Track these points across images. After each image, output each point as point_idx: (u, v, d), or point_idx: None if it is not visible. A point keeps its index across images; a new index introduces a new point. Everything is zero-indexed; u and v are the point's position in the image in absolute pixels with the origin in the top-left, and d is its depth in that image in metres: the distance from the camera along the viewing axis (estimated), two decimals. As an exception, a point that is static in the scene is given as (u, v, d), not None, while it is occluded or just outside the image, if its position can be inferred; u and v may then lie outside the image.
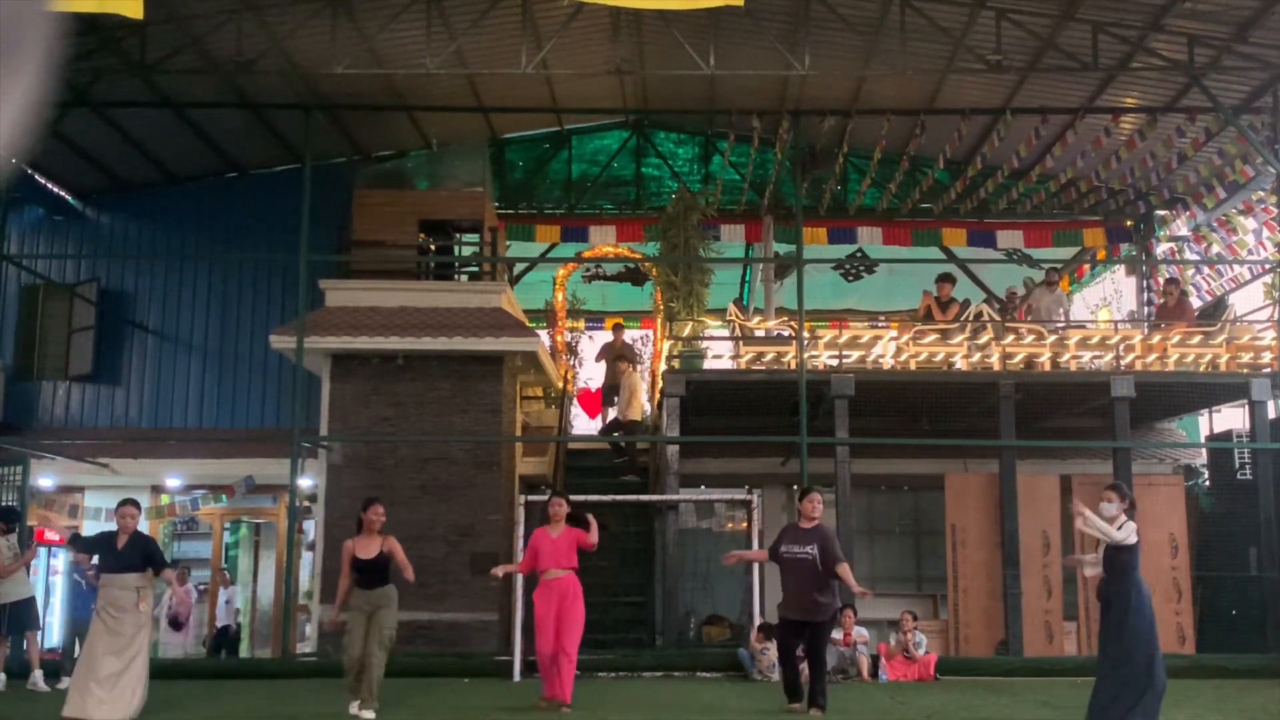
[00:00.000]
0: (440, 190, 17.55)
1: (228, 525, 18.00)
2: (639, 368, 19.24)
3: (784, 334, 15.67)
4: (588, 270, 20.36)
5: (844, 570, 9.06)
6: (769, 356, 15.13)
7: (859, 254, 19.93)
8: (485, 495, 15.01)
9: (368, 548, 9.16)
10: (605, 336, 21.73)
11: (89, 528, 16.46)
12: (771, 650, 12.72)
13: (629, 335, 21.09)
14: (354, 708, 8.93)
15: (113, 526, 9.18)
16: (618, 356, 17.66)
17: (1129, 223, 19.50)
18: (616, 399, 17.39)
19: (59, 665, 12.52)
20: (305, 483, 15.81)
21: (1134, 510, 7.79)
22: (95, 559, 9.25)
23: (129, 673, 8.64)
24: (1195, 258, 18.47)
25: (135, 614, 8.69)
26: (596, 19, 14.74)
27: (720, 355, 15.87)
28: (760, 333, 15.90)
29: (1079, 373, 15.19)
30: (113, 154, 17.30)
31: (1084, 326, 16.84)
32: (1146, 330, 16.01)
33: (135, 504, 9.13)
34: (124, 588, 8.72)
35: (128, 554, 8.81)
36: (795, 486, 15.95)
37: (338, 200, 16.59)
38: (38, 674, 11.69)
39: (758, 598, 13.39)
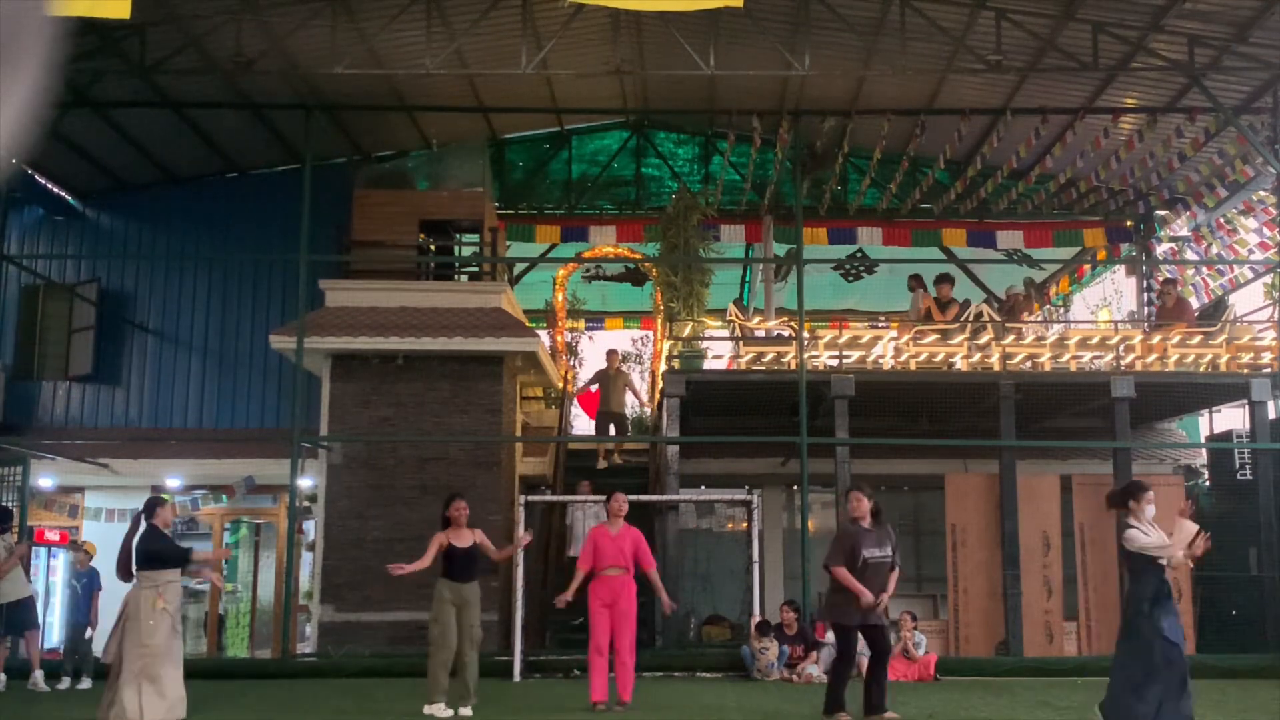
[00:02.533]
0: (440, 190, 17.55)
1: (228, 525, 18.00)
2: (638, 380, 18.93)
3: (784, 334, 15.67)
4: (588, 270, 20.35)
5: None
6: (769, 356, 15.13)
7: (859, 254, 19.92)
8: (485, 495, 14.99)
9: (461, 538, 9.39)
10: (606, 337, 21.71)
11: (88, 528, 16.49)
12: (771, 649, 12.72)
13: (627, 335, 21.09)
14: (440, 711, 9.00)
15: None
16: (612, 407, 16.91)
17: (1129, 223, 19.49)
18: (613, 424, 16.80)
19: (60, 665, 12.53)
20: (305, 483, 15.82)
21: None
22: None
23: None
24: (1195, 258, 18.47)
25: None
26: (596, 19, 14.73)
27: (720, 355, 15.86)
28: (760, 333, 15.90)
29: (1079, 373, 15.20)
30: (113, 154, 17.31)
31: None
32: (1146, 330, 16.01)
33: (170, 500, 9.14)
34: (176, 580, 8.49)
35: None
36: (795, 486, 15.98)
37: (338, 200, 16.58)
38: (38, 674, 11.71)
39: (758, 598, 13.38)
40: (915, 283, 17.11)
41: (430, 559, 9.37)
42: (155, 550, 8.24)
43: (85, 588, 12.47)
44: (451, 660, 9.20)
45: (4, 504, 13.77)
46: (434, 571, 9.55)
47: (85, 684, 12.03)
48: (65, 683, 12.11)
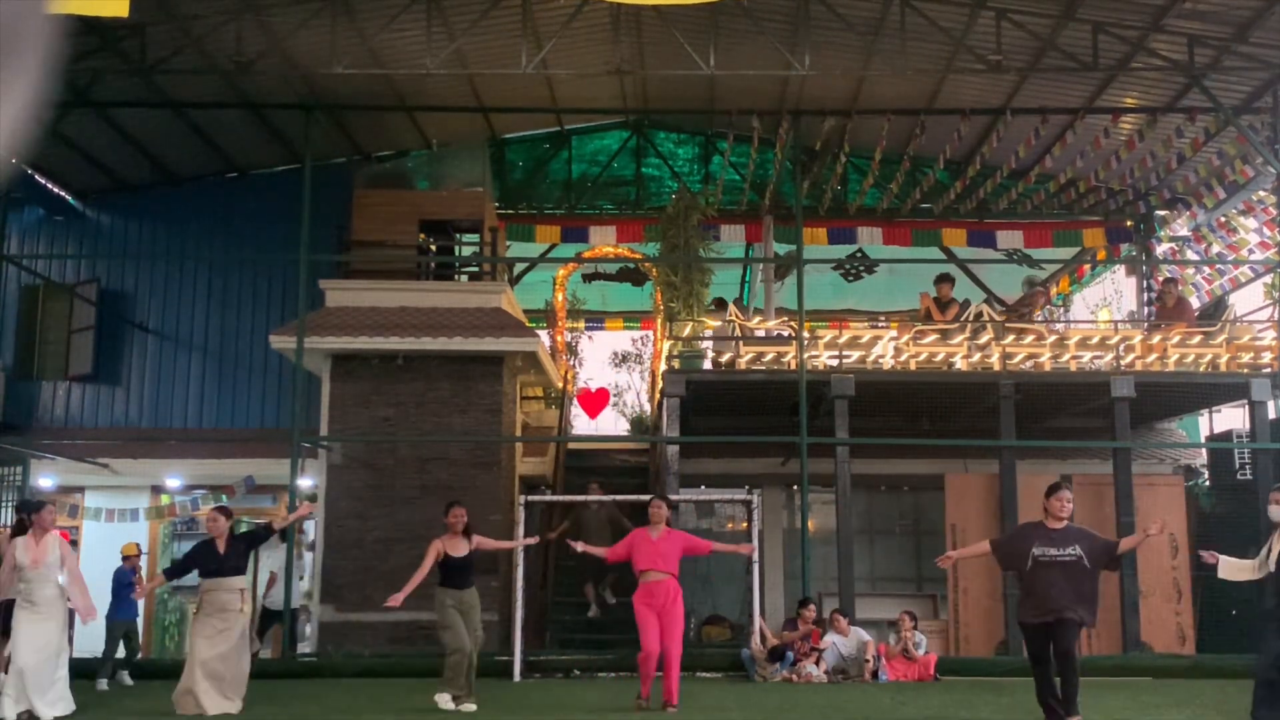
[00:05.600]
0: (440, 190, 17.55)
1: (228, 525, 17.97)
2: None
3: (784, 334, 15.66)
4: (588, 270, 20.34)
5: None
6: (769, 356, 15.12)
7: (859, 254, 19.92)
8: (485, 495, 14.99)
9: (456, 546, 9.59)
10: (605, 337, 21.70)
11: (89, 528, 16.49)
12: (770, 668, 12.63)
13: (627, 335, 21.00)
14: (444, 701, 9.29)
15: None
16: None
17: (1129, 223, 19.49)
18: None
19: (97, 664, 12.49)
20: (305, 483, 15.81)
21: None
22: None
23: (240, 668, 9.16)
24: (1195, 258, 18.47)
25: (240, 615, 9.19)
26: (596, 19, 14.73)
27: (720, 353, 15.85)
28: (760, 333, 15.90)
29: (1079, 373, 15.19)
30: (113, 154, 17.30)
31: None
32: (1146, 330, 16.00)
33: (225, 510, 9.57)
34: (230, 590, 9.16)
35: (231, 558, 9.21)
36: (795, 486, 15.97)
37: (338, 200, 16.57)
38: None
39: (758, 598, 13.37)
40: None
41: (428, 568, 9.59)
42: (207, 560, 9.07)
43: (129, 587, 12.51)
44: (467, 660, 9.42)
45: (26, 497, 13.82)
46: (431, 570, 9.65)
47: (127, 680, 12.23)
48: (111, 682, 12.12)
